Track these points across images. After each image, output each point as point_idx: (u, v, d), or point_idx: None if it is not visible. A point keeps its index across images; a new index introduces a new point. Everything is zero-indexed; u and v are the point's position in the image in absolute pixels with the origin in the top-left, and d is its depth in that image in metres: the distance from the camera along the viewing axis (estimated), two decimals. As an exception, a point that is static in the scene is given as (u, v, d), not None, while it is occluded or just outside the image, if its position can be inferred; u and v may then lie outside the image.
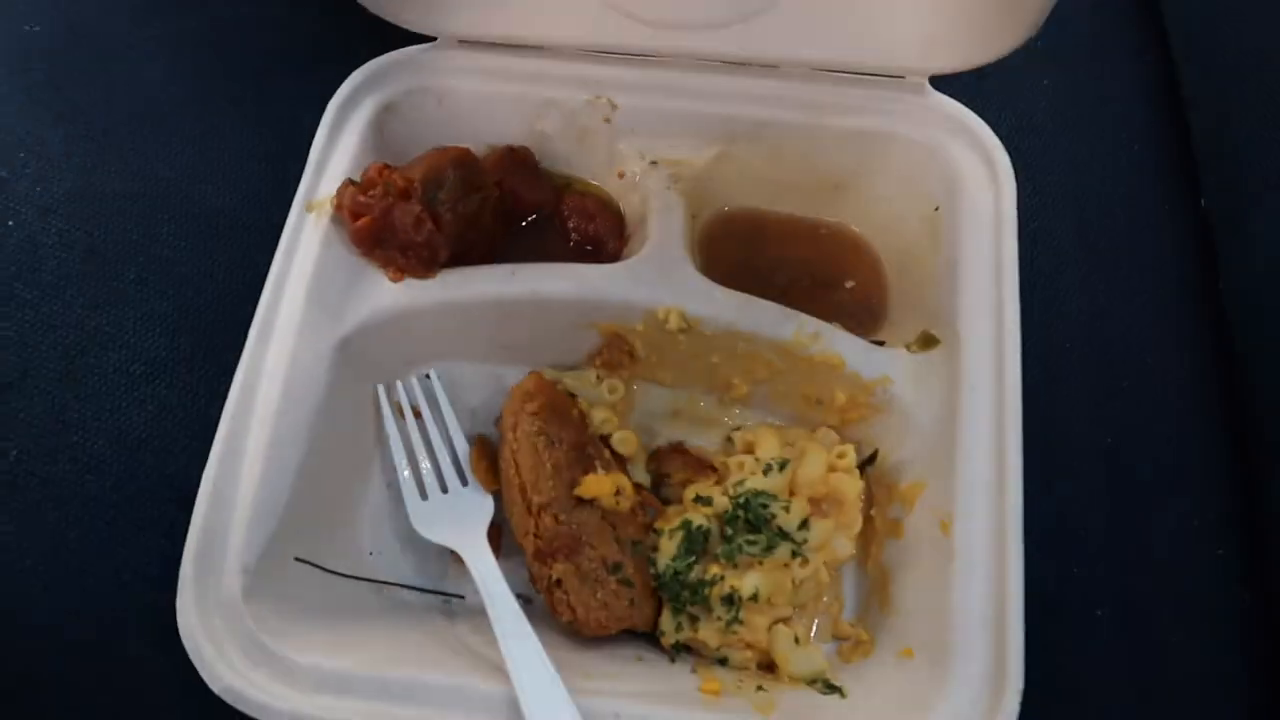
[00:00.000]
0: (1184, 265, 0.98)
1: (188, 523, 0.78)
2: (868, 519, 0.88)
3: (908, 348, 0.90)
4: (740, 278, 0.92)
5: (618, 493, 0.83)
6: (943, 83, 0.94)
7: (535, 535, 0.81)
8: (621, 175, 0.98)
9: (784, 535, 0.82)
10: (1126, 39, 1.10)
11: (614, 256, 0.97)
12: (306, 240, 0.87)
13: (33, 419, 0.92)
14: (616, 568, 0.81)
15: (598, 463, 0.85)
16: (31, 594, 0.86)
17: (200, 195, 1.03)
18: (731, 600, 0.80)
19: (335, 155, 0.92)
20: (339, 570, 0.82)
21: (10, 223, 1.01)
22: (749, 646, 0.82)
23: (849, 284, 0.99)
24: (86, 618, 0.85)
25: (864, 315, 0.97)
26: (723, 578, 0.81)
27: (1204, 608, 0.85)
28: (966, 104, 0.93)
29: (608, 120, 0.96)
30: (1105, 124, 1.05)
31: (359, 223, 0.84)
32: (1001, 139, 0.92)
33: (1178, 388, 0.93)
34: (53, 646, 0.84)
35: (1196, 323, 0.95)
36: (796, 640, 0.82)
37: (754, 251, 1.00)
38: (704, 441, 0.92)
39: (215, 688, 0.72)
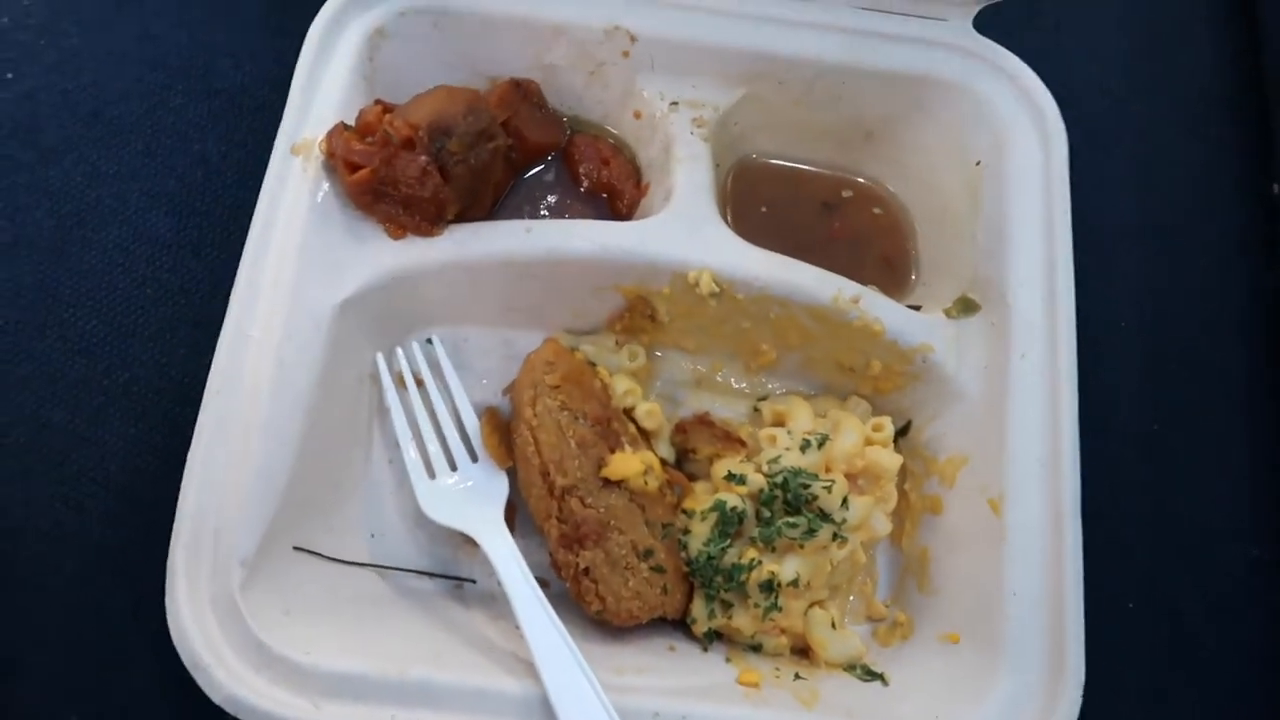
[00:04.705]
0: (1248, 253, 0.94)
1: (187, 419, 0.71)
2: (901, 494, 0.84)
3: (946, 313, 0.85)
4: (761, 235, 0.85)
5: (647, 472, 0.77)
6: (1011, 36, 0.87)
7: (559, 520, 0.74)
8: (639, 116, 0.89)
9: (825, 517, 0.77)
10: (1211, 4, 1.03)
11: (631, 206, 0.89)
12: (294, 188, 0.78)
13: (21, 289, 0.83)
14: (648, 553, 0.75)
15: (624, 439, 0.78)
16: (9, 473, 0.78)
17: (220, 69, 0.92)
18: (770, 586, 0.75)
19: (322, 87, 0.82)
20: (341, 557, 0.75)
21: (9, 75, 0.89)
22: (783, 632, 0.78)
23: (878, 243, 0.92)
24: (65, 502, 0.77)
25: (893, 277, 0.91)
26: (760, 562, 0.76)
27: (1237, 609, 0.83)
28: (1037, 59, 0.87)
29: (626, 54, 0.87)
30: (1181, 94, 0.99)
31: (356, 175, 0.74)
32: (1070, 99, 0.85)
33: (1228, 378, 0.89)
34: (30, 533, 0.77)
35: (1254, 314, 0.92)
36: (833, 625, 0.78)
37: (775, 207, 0.93)
38: (729, 412, 0.86)
39: (216, 698, 0.65)
